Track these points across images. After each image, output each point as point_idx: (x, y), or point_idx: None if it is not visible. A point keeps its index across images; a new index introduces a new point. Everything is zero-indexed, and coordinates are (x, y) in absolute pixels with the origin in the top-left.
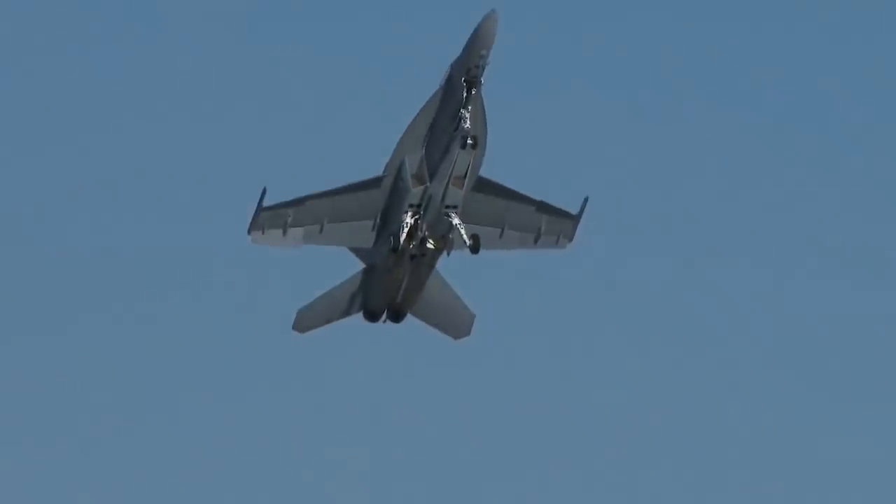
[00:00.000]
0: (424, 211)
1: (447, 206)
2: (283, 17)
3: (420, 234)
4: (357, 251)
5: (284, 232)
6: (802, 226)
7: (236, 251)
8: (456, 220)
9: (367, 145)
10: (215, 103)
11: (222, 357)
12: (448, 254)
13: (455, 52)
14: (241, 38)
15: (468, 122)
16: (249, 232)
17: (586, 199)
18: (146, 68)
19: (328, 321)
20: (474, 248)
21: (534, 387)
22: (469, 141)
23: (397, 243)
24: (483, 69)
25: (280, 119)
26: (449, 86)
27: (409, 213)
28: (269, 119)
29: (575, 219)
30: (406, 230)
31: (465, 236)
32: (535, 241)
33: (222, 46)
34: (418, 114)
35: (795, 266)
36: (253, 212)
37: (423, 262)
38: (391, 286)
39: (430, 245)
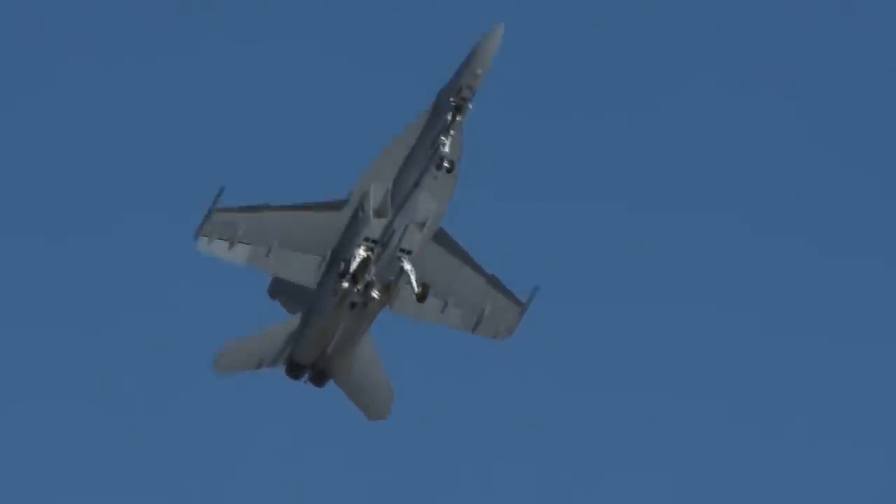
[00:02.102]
0: (383, 247)
1: (402, 250)
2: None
3: (368, 278)
4: (294, 295)
5: (231, 245)
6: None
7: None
8: (408, 266)
9: (338, 167)
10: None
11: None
12: (390, 306)
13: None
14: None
15: (447, 147)
16: (196, 236)
17: (535, 290)
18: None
19: (248, 367)
20: (421, 297)
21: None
22: (445, 164)
23: (347, 269)
24: (474, 93)
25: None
26: (434, 112)
27: (363, 248)
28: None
29: (521, 308)
30: (357, 262)
31: (414, 283)
32: (475, 326)
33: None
34: (394, 140)
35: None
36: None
37: (363, 312)
38: (324, 335)
39: (374, 294)
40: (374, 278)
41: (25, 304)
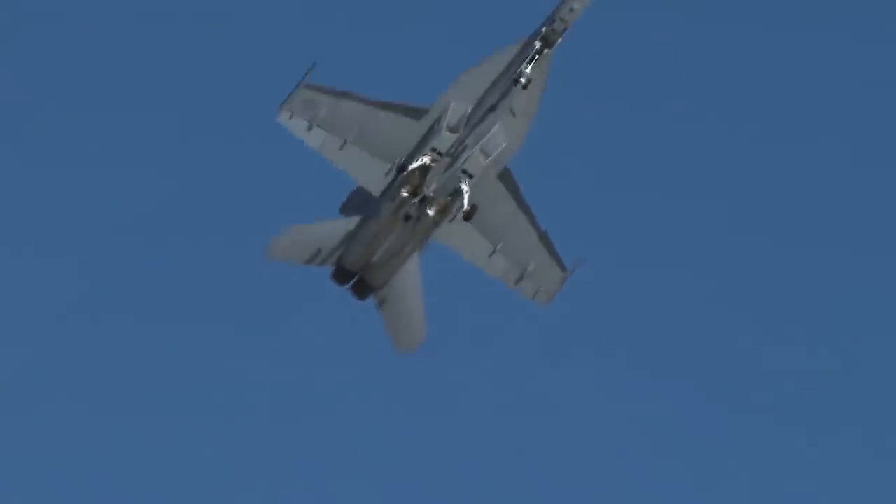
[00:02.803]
0: (448, 161)
1: (464, 171)
2: None
3: (427, 191)
4: (358, 199)
5: (310, 127)
6: None
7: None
8: (465, 187)
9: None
10: None
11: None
12: (440, 231)
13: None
14: None
15: (528, 70)
16: (280, 108)
17: (582, 260)
18: None
19: (300, 259)
20: (468, 215)
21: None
22: (522, 80)
23: (406, 167)
24: (567, 27)
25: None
26: (527, 42)
27: (429, 156)
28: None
29: (566, 274)
30: (418, 164)
31: (466, 201)
32: (517, 280)
33: None
34: (483, 61)
35: None
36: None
37: (415, 228)
38: (374, 241)
39: (429, 211)
40: (432, 194)
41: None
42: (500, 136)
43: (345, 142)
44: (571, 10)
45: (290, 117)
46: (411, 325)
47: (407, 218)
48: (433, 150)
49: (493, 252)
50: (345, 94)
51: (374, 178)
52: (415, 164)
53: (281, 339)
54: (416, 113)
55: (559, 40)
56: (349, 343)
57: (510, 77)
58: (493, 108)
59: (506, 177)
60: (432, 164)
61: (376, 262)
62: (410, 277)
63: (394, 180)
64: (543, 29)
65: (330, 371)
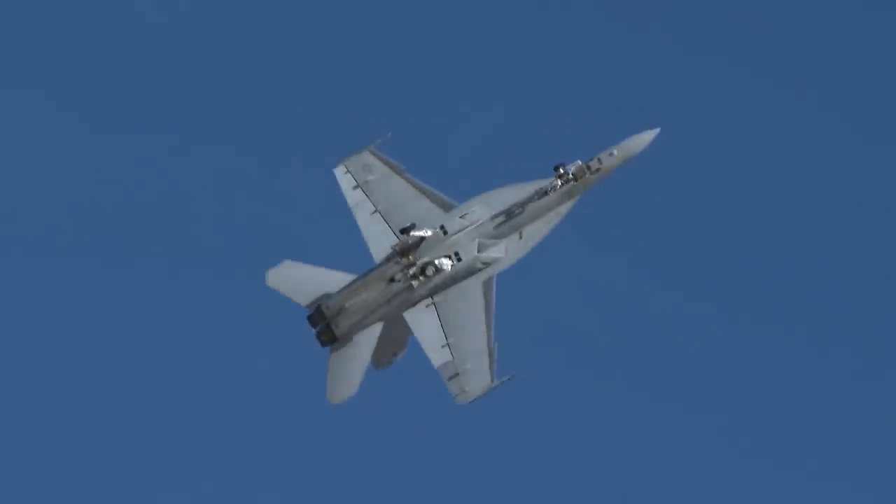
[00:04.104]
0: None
1: (456, 253)
2: None
3: (415, 259)
4: None
5: (356, 187)
6: None
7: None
8: (447, 264)
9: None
10: None
11: None
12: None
13: None
14: None
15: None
16: (341, 162)
17: (513, 376)
18: None
19: (293, 295)
20: (404, 245)
21: None
22: (558, 182)
23: (411, 229)
24: (599, 170)
25: None
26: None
27: (432, 231)
28: None
29: (492, 385)
30: (421, 233)
31: (437, 261)
32: (451, 377)
33: None
34: (517, 185)
35: None
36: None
37: (394, 293)
38: (356, 291)
39: (413, 283)
40: (418, 261)
41: None
42: (500, 249)
43: (376, 210)
44: (611, 154)
45: (346, 172)
46: (349, 381)
47: (391, 280)
48: (441, 227)
49: (445, 345)
50: (397, 170)
51: (381, 247)
52: (417, 232)
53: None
54: (446, 206)
55: (592, 178)
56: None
57: (540, 193)
58: (509, 217)
59: (487, 286)
60: (431, 235)
61: (348, 310)
62: (367, 340)
63: (394, 247)
64: (580, 162)
65: None
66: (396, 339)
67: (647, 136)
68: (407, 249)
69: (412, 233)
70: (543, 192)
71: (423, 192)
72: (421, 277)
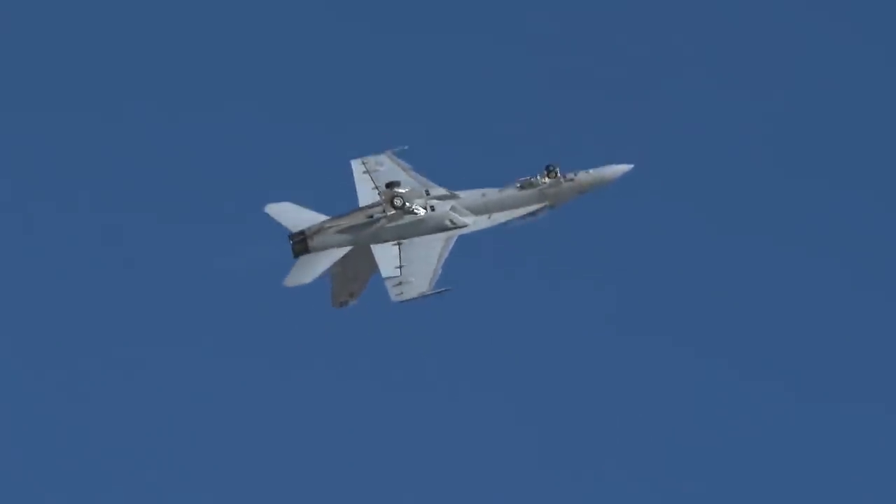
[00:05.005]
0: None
1: (431, 206)
2: None
3: (396, 195)
4: None
5: (368, 181)
6: None
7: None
8: (420, 211)
9: None
10: None
11: None
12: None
13: None
14: None
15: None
16: (359, 159)
17: (447, 290)
18: None
19: (288, 224)
20: (389, 196)
21: None
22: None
23: (395, 184)
24: (572, 181)
25: None
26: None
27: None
28: None
29: (424, 290)
30: (405, 189)
31: (406, 203)
32: (396, 284)
33: None
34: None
35: None
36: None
37: (369, 224)
38: (336, 220)
39: (386, 211)
40: (394, 205)
41: None
42: (469, 218)
43: (376, 186)
44: (587, 172)
45: (361, 164)
46: (306, 273)
47: (369, 217)
48: (426, 190)
49: (398, 266)
50: (404, 168)
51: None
52: (401, 190)
53: None
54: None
55: (565, 187)
56: None
57: (525, 184)
58: (485, 200)
59: (448, 241)
60: (414, 191)
61: (325, 230)
62: (334, 254)
63: (379, 192)
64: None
65: None
66: (356, 278)
67: (621, 169)
68: (391, 197)
69: (396, 189)
70: (529, 184)
71: (424, 184)
72: (395, 215)
